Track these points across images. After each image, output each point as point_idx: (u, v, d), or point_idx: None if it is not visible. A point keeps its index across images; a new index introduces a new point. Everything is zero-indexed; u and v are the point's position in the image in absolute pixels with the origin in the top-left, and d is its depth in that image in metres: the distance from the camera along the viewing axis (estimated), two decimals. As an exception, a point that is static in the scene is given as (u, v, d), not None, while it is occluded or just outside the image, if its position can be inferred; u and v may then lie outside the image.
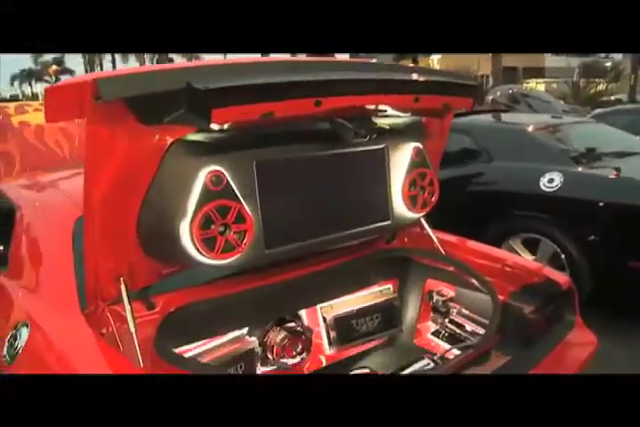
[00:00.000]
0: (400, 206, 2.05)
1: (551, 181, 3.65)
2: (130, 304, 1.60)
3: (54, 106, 1.31)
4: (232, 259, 1.61)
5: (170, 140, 1.46)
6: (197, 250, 1.53)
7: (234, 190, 1.58)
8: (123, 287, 1.62)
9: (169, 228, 1.53)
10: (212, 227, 1.54)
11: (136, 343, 1.56)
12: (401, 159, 2.02)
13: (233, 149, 1.58)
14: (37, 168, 3.51)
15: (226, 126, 1.43)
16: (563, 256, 3.63)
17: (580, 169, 3.75)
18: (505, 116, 4.97)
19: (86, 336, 1.55)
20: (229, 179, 1.57)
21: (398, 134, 1.99)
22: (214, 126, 1.40)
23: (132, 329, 1.57)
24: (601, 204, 3.48)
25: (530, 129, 4.16)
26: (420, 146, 2.05)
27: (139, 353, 1.54)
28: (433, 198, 2.12)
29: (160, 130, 1.41)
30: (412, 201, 2.06)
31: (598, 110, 9.05)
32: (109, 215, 1.51)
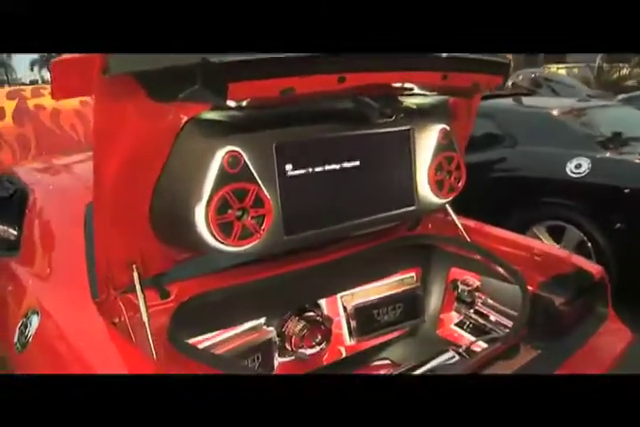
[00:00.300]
0: (425, 191, 1.96)
1: (578, 166, 3.52)
2: (142, 292, 1.53)
3: (61, 81, 1.23)
4: (250, 245, 1.52)
5: (184, 118, 1.37)
6: (213, 236, 1.45)
7: (252, 173, 1.49)
8: (135, 275, 1.54)
9: (183, 212, 1.45)
10: (229, 211, 1.46)
11: (149, 333, 1.48)
12: (427, 142, 1.92)
13: (251, 128, 1.49)
14: (53, 152, 3.47)
15: (244, 104, 1.34)
16: (589, 244, 3.51)
17: (607, 154, 3.61)
18: (529, 100, 4.81)
19: (97, 325, 1.49)
20: (247, 160, 1.48)
21: (424, 115, 1.89)
22: (231, 104, 1.31)
23: (145, 319, 1.50)
24: (629, 190, 3.34)
25: (555, 113, 4.01)
26: (447, 128, 1.95)
27: (151, 344, 1.47)
28: (460, 183, 2.03)
29: (173, 108, 1.32)
30: (438, 186, 1.96)
31: (622, 95, 8.81)
32: (120, 199, 1.43)
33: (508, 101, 4.55)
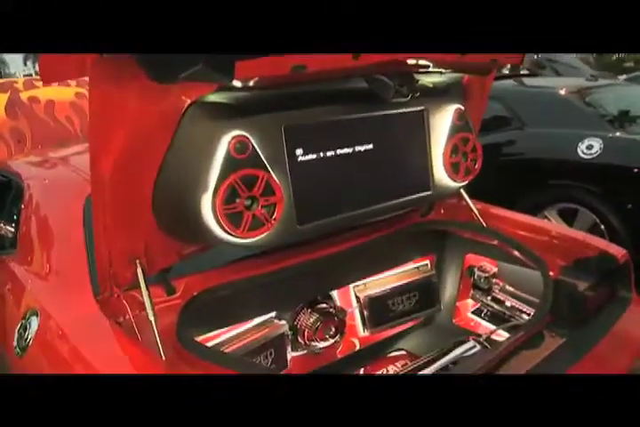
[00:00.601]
0: (441, 175, 1.87)
1: (590, 147, 3.42)
2: (147, 289, 1.44)
3: (51, 62, 1.12)
4: (261, 237, 1.43)
5: (187, 101, 1.27)
6: (221, 227, 1.36)
7: (261, 158, 1.40)
8: (139, 271, 1.45)
9: (188, 203, 1.35)
10: (238, 200, 1.36)
11: (156, 332, 1.40)
12: (442, 123, 1.83)
13: (259, 111, 1.40)
14: (48, 145, 3.38)
15: (251, 84, 1.24)
16: (602, 227, 3.41)
17: (618, 134, 3.51)
18: (534, 81, 4.69)
19: (101, 325, 1.40)
20: (255, 145, 1.38)
21: (439, 95, 1.79)
22: (237, 84, 1.21)
23: (151, 317, 1.41)
24: None
25: (563, 92, 3.90)
26: (462, 108, 1.85)
27: (159, 343, 1.38)
28: (476, 166, 1.93)
29: (175, 89, 1.22)
30: (454, 169, 1.87)
31: (624, 76, 8.70)
32: (120, 191, 1.34)
33: (514, 83, 4.44)
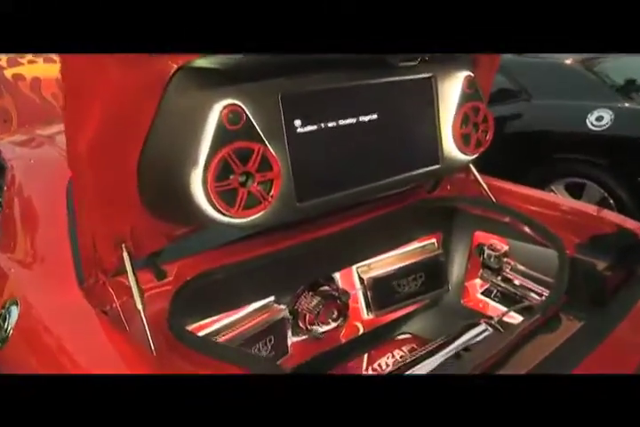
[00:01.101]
0: (451, 147, 1.74)
1: (600, 118, 3.28)
2: (134, 275, 1.32)
3: None
4: (257, 215, 1.31)
5: (173, 66, 1.13)
6: (213, 206, 1.23)
7: (256, 130, 1.27)
8: (125, 255, 1.33)
9: (176, 181, 1.23)
10: (231, 177, 1.24)
11: (145, 322, 1.28)
12: (451, 91, 1.69)
13: (254, 77, 1.27)
14: (35, 123, 3.24)
15: None
16: (611, 201, 3.31)
17: (627, 105, 3.37)
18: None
19: (85, 314, 1.28)
20: (250, 115, 1.25)
21: (448, 60, 1.66)
22: None
23: (140, 305, 1.30)
24: None
25: (569, 62, 3.75)
26: (472, 75, 1.72)
27: (148, 334, 1.27)
28: (487, 137, 1.81)
29: (160, 54, 1.09)
30: (464, 141, 1.74)
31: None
32: (100, 168, 1.20)
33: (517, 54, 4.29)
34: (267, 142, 1.28)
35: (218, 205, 1.23)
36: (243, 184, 1.26)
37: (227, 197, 1.24)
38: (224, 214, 1.25)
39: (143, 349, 1.25)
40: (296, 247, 1.72)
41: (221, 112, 1.20)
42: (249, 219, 1.30)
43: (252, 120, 1.26)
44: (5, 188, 1.95)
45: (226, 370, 1.29)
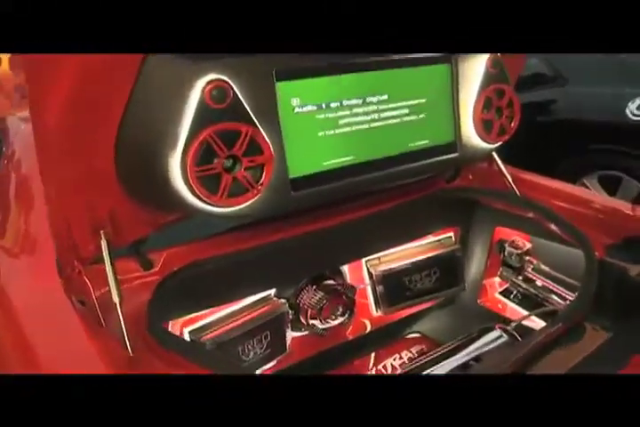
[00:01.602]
0: (470, 134, 1.58)
1: (641, 107, 3.08)
2: (112, 264, 1.20)
3: None
4: (244, 205, 1.18)
5: None
6: (193, 193, 1.11)
7: (245, 109, 1.13)
8: (103, 242, 1.22)
9: (155, 164, 1.10)
10: (215, 161, 1.11)
11: (121, 317, 1.17)
12: (473, 70, 1.54)
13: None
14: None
15: None
16: (650, 198, 3.12)
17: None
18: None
19: (57, 306, 1.17)
20: (238, 92, 1.12)
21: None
22: None
23: (116, 298, 1.18)
24: None
25: (611, 47, 3.52)
26: (498, 53, 1.56)
27: (124, 330, 1.16)
28: (512, 124, 1.65)
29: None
30: (485, 127, 1.59)
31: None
32: (71, 148, 1.09)
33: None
34: (257, 123, 1.15)
35: (198, 192, 1.10)
36: (228, 170, 1.13)
37: (208, 184, 1.11)
38: (205, 202, 1.13)
39: (118, 346, 1.14)
40: (300, 238, 1.59)
41: (204, 89, 1.07)
42: (235, 208, 1.18)
43: (241, 98, 1.12)
44: (5, 161, 1.86)
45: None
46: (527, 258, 1.93)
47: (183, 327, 1.48)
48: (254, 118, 1.15)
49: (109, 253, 1.21)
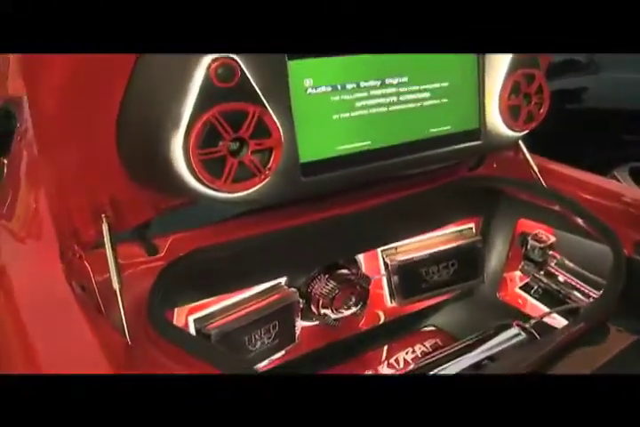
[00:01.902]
0: (495, 120, 1.50)
1: (679, 96, 2.94)
2: (113, 249, 1.16)
3: None
4: (251, 190, 1.13)
5: None
6: (196, 177, 1.05)
7: (253, 88, 1.07)
8: (104, 227, 1.17)
9: (157, 145, 1.05)
10: (220, 143, 1.05)
11: (120, 304, 1.13)
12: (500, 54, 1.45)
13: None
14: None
15: None
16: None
17: None
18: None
19: (57, 292, 1.13)
20: (246, 70, 1.06)
21: None
22: None
23: (116, 284, 1.14)
24: None
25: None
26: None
27: (123, 317, 1.12)
28: (541, 110, 1.56)
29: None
30: (512, 114, 1.50)
31: None
32: (72, 131, 1.05)
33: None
34: (266, 104, 1.08)
35: (201, 176, 1.05)
36: (234, 153, 1.08)
37: (212, 167, 1.05)
38: (208, 187, 1.07)
39: (117, 334, 1.10)
40: (313, 225, 1.53)
41: (209, 66, 1.01)
42: (241, 194, 1.12)
43: (249, 76, 1.06)
44: (19, 137, 1.82)
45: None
46: (550, 252, 1.85)
47: (188, 315, 1.43)
48: (263, 99, 1.08)
49: (110, 238, 1.17)
